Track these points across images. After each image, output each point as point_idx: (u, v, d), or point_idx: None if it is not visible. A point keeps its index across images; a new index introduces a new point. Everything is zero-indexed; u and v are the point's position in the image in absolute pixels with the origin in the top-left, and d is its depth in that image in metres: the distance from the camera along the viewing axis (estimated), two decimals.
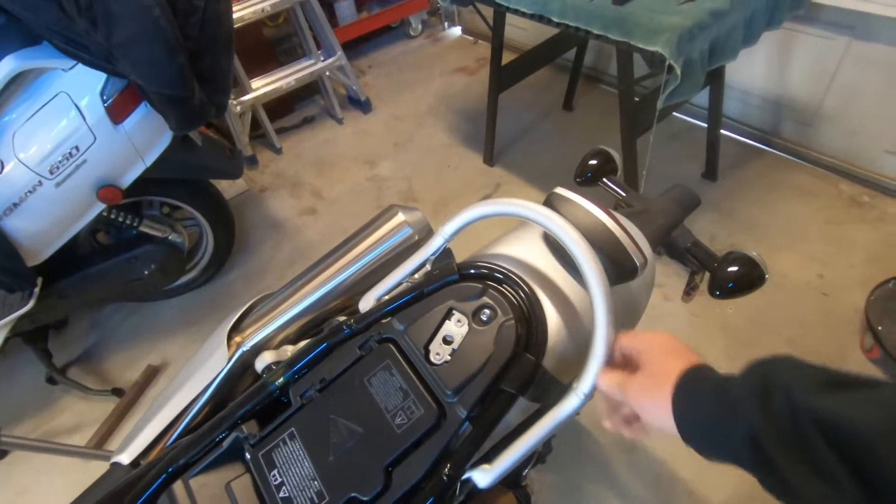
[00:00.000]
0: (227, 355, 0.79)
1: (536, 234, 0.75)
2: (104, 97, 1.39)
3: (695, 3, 1.37)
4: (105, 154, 1.46)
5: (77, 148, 1.41)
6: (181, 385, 0.80)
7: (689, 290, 0.92)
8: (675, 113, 2.44)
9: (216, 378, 0.78)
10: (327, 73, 2.77)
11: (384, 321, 0.70)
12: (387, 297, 0.73)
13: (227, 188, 2.50)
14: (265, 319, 0.82)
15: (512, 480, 0.91)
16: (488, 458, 0.62)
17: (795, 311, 1.69)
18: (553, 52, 2.31)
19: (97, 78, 1.38)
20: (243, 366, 0.81)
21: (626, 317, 0.79)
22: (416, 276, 0.75)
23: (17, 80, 1.34)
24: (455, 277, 0.69)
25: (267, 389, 0.68)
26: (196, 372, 0.80)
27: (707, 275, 0.85)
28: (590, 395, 0.60)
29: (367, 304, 0.74)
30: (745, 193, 2.10)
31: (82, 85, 1.37)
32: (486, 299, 0.66)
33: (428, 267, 0.75)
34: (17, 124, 1.37)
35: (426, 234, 0.85)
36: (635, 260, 0.65)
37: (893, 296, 1.58)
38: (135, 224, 1.76)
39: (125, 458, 0.76)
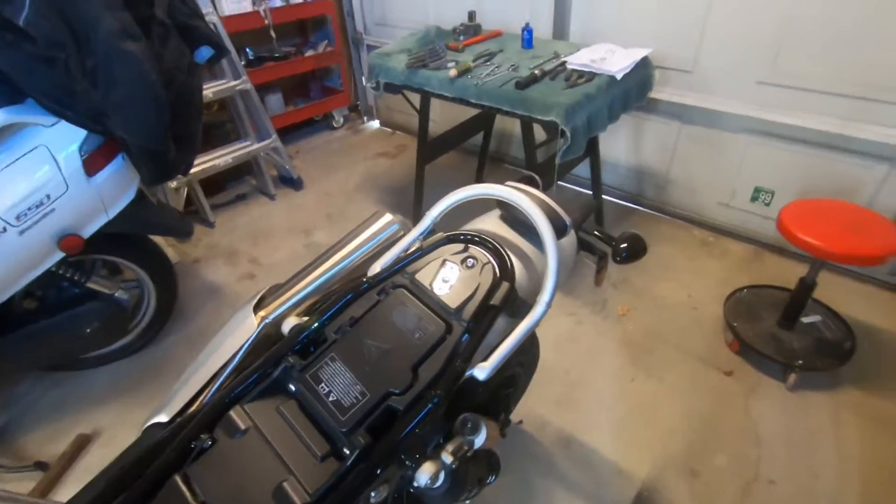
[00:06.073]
0: (255, 324, 0.94)
1: (495, 216, 1.05)
2: (82, 152, 1.52)
3: (573, 89, 1.88)
4: (74, 204, 1.55)
5: (48, 196, 1.49)
6: (211, 353, 0.93)
7: (599, 271, 1.24)
8: (566, 184, 3.01)
9: (245, 344, 0.92)
10: (262, 154, 3.02)
11: (394, 277, 0.92)
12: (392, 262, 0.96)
13: None
14: (284, 297, 0.99)
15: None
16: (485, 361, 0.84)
17: (676, 323, 2.12)
18: (464, 134, 2.79)
19: (77, 134, 1.51)
20: (266, 337, 0.96)
21: (562, 264, 1.08)
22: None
23: None
24: (445, 241, 0.95)
25: (305, 332, 0.85)
26: (225, 341, 0.94)
27: (609, 259, 1.18)
28: (549, 304, 0.87)
29: (374, 270, 0.96)
30: None
31: (62, 140, 1.49)
32: (470, 251, 0.92)
33: (418, 244, 1.00)
34: None
35: (408, 230, 1.10)
36: (565, 219, 0.97)
37: (740, 301, 2.07)
38: (82, 280, 1.78)
39: (164, 417, 0.86)
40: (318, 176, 3.40)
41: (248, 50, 3.34)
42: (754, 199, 2.42)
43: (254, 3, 3.14)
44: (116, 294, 1.87)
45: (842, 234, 1.61)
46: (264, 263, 2.65)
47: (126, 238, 1.90)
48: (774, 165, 2.29)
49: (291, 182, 3.21)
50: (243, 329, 0.95)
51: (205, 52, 1.75)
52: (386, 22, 3.57)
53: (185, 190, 2.78)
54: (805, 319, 1.94)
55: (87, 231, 1.62)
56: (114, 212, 1.66)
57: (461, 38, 2.46)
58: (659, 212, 2.78)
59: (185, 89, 1.62)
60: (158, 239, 2.21)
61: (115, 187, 1.64)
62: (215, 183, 3.14)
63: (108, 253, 1.86)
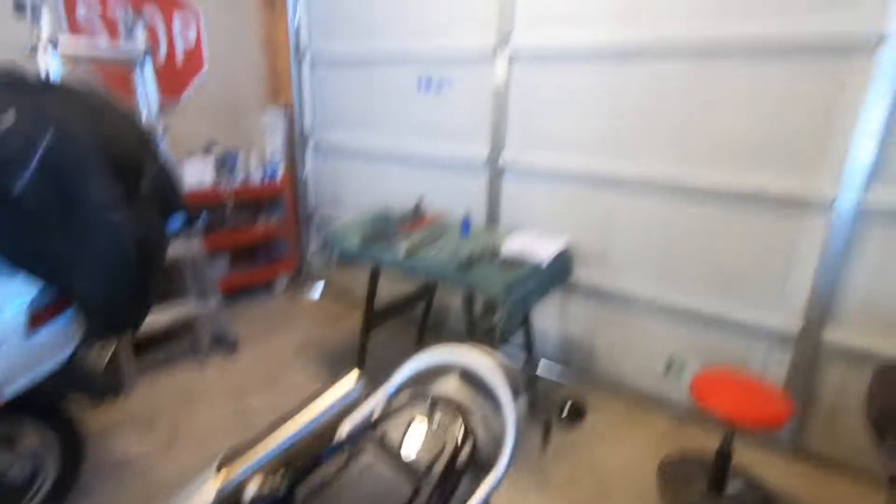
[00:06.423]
0: (215, 488, 0.91)
1: (456, 375, 1.15)
2: (31, 307, 1.50)
3: (508, 272, 2.17)
4: (4, 363, 1.46)
5: None
6: None
7: (545, 435, 1.33)
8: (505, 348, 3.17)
9: None
10: (201, 315, 2.99)
11: (362, 438, 0.97)
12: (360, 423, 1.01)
13: None
14: (245, 459, 0.98)
15: None
16: None
17: (617, 493, 2.14)
18: (407, 305, 2.98)
19: (30, 289, 1.50)
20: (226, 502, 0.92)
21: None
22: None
23: None
24: (411, 402, 1.03)
25: (275, 494, 0.85)
26: None
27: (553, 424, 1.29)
28: (509, 465, 0.94)
29: (342, 430, 1.00)
30: None
31: (12, 295, 1.47)
32: (435, 412, 1.00)
33: (377, 412, 1.06)
34: None
35: (374, 391, 1.17)
36: (519, 383, 1.09)
37: (670, 470, 2.18)
38: None
39: None
40: (255, 339, 3.35)
41: (201, 217, 3.52)
42: (667, 368, 2.69)
43: (214, 180, 3.44)
44: (10, 473, 1.64)
45: (744, 403, 1.84)
46: (187, 430, 2.44)
47: (39, 398, 1.74)
48: (682, 339, 2.62)
49: (227, 344, 3.14)
50: (201, 496, 0.91)
51: (177, 221, 1.89)
52: (338, 203, 3.98)
53: (112, 348, 2.64)
54: (730, 488, 2.05)
55: (9, 391, 1.50)
56: (45, 370, 1.57)
57: (408, 221, 2.80)
58: (588, 379, 2.97)
59: (154, 251, 1.71)
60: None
61: (54, 345, 1.58)
62: (144, 341, 3.00)
63: (17, 412, 1.68)
